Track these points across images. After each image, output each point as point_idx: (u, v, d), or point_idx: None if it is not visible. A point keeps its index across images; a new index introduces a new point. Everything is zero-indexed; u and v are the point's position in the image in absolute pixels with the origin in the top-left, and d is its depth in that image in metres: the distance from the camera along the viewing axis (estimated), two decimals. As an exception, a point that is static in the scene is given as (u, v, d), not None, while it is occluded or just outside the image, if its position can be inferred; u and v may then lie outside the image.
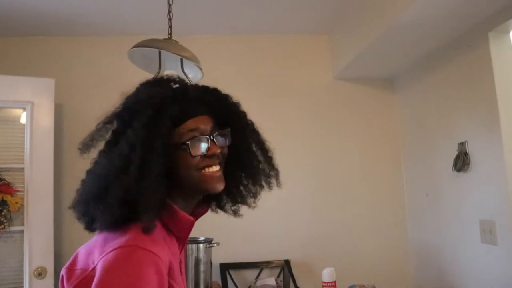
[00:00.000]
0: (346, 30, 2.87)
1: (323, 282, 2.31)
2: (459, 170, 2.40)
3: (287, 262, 2.85)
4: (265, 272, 2.85)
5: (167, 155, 0.88)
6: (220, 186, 0.96)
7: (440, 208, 2.65)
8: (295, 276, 2.82)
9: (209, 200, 1.07)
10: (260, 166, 1.07)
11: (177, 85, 1.00)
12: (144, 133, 0.86)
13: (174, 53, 1.72)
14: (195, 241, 2.25)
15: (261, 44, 3.11)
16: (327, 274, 2.30)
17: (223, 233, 2.55)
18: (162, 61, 1.82)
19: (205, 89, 1.03)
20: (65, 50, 2.95)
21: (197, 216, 1.01)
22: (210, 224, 2.84)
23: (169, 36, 1.88)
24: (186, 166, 0.91)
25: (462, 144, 2.39)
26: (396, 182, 3.07)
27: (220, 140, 0.96)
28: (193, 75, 1.89)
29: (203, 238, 2.28)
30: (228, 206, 1.08)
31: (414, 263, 2.98)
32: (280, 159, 3.14)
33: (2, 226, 2.16)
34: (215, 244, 2.21)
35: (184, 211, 0.93)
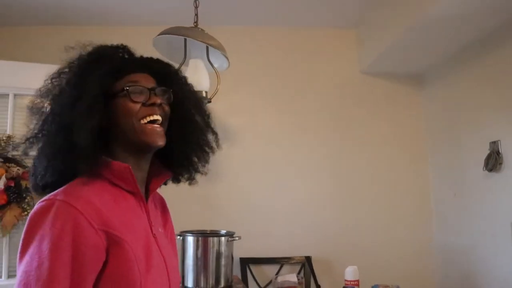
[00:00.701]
0: (374, 24, 2.79)
1: (345, 280, 2.25)
2: (490, 170, 2.31)
3: (308, 259, 2.80)
4: (286, 268, 2.81)
5: (105, 105, 0.91)
6: (160, 141, 0.95)
7: (469, 209, 2.56)
8: (316, 273, 2.76)
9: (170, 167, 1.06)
10: (200, 129, 1.07)
11: (121, 49, 1.02)
12: (80, 81, 0.89)
13: (201, 41, 1.69)
14: (217, 234, 2.22)
15: (287, 36, 3.06)
16: (350, 273, 2.25)
17: (243, 227, 2.52)
18: (187, 50, 1.79)
19: (149, 57, 1.05)
20: (91, 39, 2.93)
21: (158, 181, 1.03)
22: (231, 218, 2.83)
23: (195, 24, 1.85)
24: (127, 114, 0.92)
25: (494, 143, 2.30)
26: (422, 181, 2.99)
27: (161, 94, 0.97)
28: (219, 65, 1.85)
29: (225, 231, 2.25)
30: (182, 175, 1.09)
31: (439, 264, 2.88)
32: (303, 153, 3.12)
33: (26, 213, 2.17)
34: (237, 238, 2.17)
35: (135, 169, 0.93)
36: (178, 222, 2.36)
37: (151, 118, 0.93)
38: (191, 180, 1.10)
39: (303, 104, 2.99)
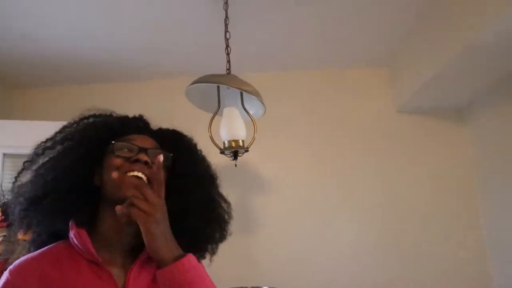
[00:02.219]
0: (409, 60, 2.68)
1: None
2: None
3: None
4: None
5: (87, 168, 0.93)
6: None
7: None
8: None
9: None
10: (206, 200, 1.01)
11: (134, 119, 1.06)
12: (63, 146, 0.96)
13: (235, 87, 1.61)
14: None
15: (318, 79, 2.98)
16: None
17: (285, 282, 2.34)
18: (221, 98, 1.71)
19: (160, 128, 1.08)
20: (122, 96, 2.93)
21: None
22: (271, 272, 2.64)
23: (227, 71, 1.78)
24: (109, 166, 0.90)
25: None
26: (473, 221, 2.74)
27: (153, 154, 0.92)
28: (255, 111, 1.76)
29: (267, 287, 2.08)
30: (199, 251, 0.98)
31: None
32: (345, 198, 2.93)
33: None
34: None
35: (115, 233, 0.90)
36: (215, 280, 2.19)
37: (132, 173, 0.89)
38: (201, 256, 0.98)
39: (340, 148, 2.85)
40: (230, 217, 1.04)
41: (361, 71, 2.98)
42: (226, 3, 1.88)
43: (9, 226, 2.06)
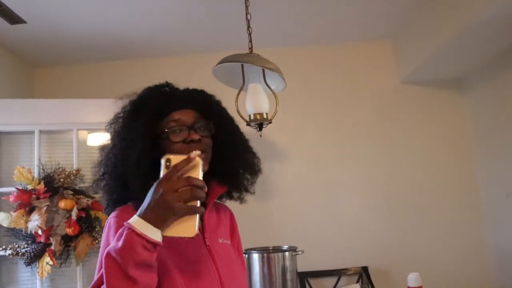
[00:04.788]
0: (413, 34, 2.83)
1: (408, 287, 2.27)
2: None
3: (365, 269, 2.82)
4: (343, 279, 2.83)
5: (151, 143, 1.05)
6: None
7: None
8: (373, 283, 2.78)
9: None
10: (241, 154, 1.17)
11: (165, 88, 1.14)
12: (124, 126, 1.07)
13: (259, 66, 1.78)
14: (280, 250, 2.28)
15: (325, 53, 3.15)
16: (413, 279, 2.27)
17: (298, 241, 2.56)
18: (245, 75, 1.89)
19: (192, 90, 1.16)
20: (139, 72, 3.07)
21: (213, 196, 1.13)
22: (286, 234, 2.88)
23: (250, 50, 1.95)
24: (171, 152, 1.01)
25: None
26: (471, 184, 2.99)
27: (201, 129, 1.07)
28: (276, 86, 1.94)
29: (287, 246, 2.31)
30: (233, 192, 1.20)
31: (495, 268, 2.86)
32: (353, 165, 3.14)
33: (96, 241, 2.28)
34: (300, 252, 2.23)
35: None
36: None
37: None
38: (241, 199, 1.22)
39: (348, 118, 3.06)
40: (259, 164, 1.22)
41: (365, 44, 3.13)
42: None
43: (51, 197, 2.26)
